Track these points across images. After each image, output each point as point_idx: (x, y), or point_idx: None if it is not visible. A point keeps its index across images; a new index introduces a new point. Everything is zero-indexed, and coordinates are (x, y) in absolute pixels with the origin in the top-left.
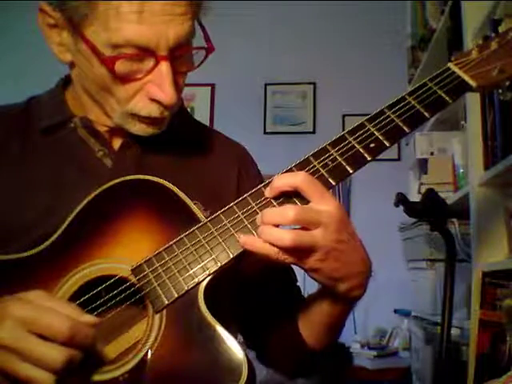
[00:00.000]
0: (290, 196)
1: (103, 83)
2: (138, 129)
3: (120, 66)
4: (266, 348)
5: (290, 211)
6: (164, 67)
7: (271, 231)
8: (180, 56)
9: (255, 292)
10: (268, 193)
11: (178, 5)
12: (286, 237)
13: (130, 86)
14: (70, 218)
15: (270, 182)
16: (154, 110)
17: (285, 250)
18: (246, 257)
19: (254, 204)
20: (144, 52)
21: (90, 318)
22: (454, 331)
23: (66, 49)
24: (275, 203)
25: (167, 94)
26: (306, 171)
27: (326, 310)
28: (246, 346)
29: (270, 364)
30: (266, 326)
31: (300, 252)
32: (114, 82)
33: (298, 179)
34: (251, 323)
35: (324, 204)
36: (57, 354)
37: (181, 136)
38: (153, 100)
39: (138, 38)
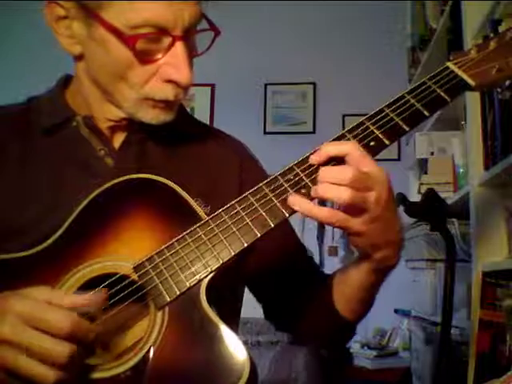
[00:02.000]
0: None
1: (118, 68)
2: (152, 115)
3: (140, 46)
4: (301, 325)
5: (348, 171)
6: (180, 47)
7: (330, 187)
8: (190, 39)
9: (281, 274)
10: (315, 158)
11: None
12: (345, 193)
13: (146, 69)
14: (72, 217)
15: (272, 180)
16: (169, 92)
17: (340, 207)
18: (266, 241)
19: (254, 201)
20: (161, 32)
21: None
22: (454, 331)
23: (75, 41)
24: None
25: (184, 74)
26: (306, 168)
27: (361, 280)
28: (276, 328)
29: (307, 338)
30: (299, 303)
31: (352, 212)
32: (130, 66)
33: (348, 146)
34: (282, 303)
35: (375, 171)
36: (61, 349)
37: (180, 134)
38: (168, 82)
39: (156, 17)
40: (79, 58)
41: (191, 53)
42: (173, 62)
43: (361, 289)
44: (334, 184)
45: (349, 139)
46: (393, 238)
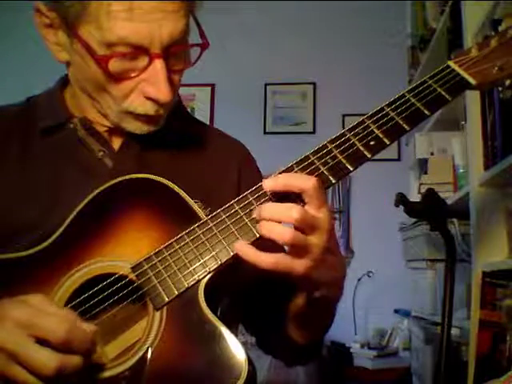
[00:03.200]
0: (289, 196)
1: (98, 82)
2: (135, 127)
3: (114, 65)
4: (264, 340)
5: (294, 210)
6: (158, 65)
7: (273, 226)
8: (175, 54)
9: (255, 289)
10: (271, 186)
11: (171, 2)
12: (287, 233)
13: (125, 85)
14: (70, 217)
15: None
16: (149, 108)
17: (287, 246)
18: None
19: (254, 201)
20: (137, 50)
21: (87, 327)
22: (454, 331)
23: (62, 48)
24: (273, 200)
25: (162, 92)
26: (306, 168)
27: (309, 313)
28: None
29: (270, 353)
30: (264, 319)
31: (294, 253)
32: (108, 81)
33: (310, 184)
34: (252, 316)
35: (322, 212)
36: (48, 360)
37: (180, 134)
38: (148, 98)
39: (130, 35)
40: (68, 64)
41: (178, 67)
42: (151, 80)
43: (309, 319)
44: (278, 222)
45: (349, 138)
46: (336, 275)
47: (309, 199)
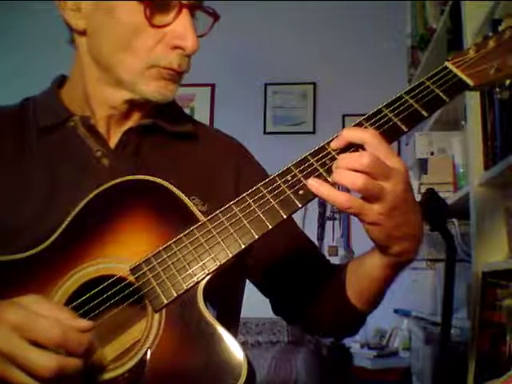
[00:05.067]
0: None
1: (125, 36)
2: (153, 88)
3: (150, 6)
4: (313, 315)
5: (365, 157)
6: (187, 15)
7: (344, 173)
8: (194, 13)
9: (292, 267)
10: (335, 143)
11: None
12: (359, 179)
13: (152, 35)
14: (69, 218)
15: (270, 180)
16: (174, 59)
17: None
18: (275, 236)
19: (252, 203)
20: None
21: (83, 323)
22: (454, 331)
23: (81, 15)
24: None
25: (190, 40)
26: (306, 169)
27: (375, 273)
28: (286, 320)
29: (322, 331)
30: (310, 294)
31: (367, 201)
32: (137, 32)
33: (368, 134)
34: (293, 296)
35: (394, 162)
36: (46, 362)
37: (176, 132)
38: (174, 48)
39: None
40: (82, 33)
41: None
42: (179, 29)
43: (374, 282)
44: (349, 170)
45: None
46: (411, 232)
47: (373, 149)
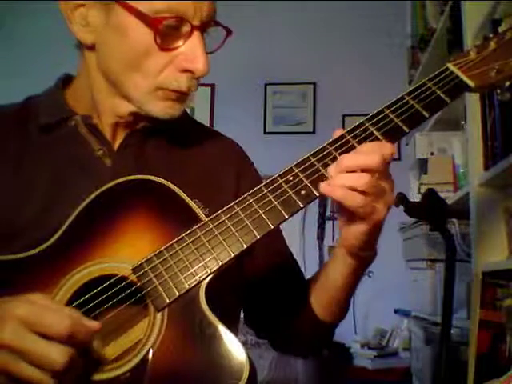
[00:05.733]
0: None
1: (135, 56)
2: (159, 108)
3: (160, 31)
4: (283, 334)
5: (365, 177)
6: (198, 37)
7: (346, 192)
8: (206, 30)
9: (265, 284)
10: (334, 171)
11: None
12: (362, 178)
13: (162, 57)
14: (71, 218)
15: (271, 181)
16: (183, 83)
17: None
18: (254, 254)
19: (254, 203)
20: (182, 20)
21: (91, 323)
22: (454, 331)
23: (90, 29)
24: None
25: (201, 63)
26: (305, 169)
27: (340, 283)
28: (256, 333)
29: (288, 348)
30: (281, 313)
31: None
32: (147, 53)
33: (376, 160)
34: (264, 314)
35: (388, 186)
36: (57, 354)
37: (178, 134)
38: (184, 72)
39: (178, 5)
40: (90, 48)
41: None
42: (190, 52)
43: (339, 291)
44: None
45: (348, 140)
46: (376, 238)
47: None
